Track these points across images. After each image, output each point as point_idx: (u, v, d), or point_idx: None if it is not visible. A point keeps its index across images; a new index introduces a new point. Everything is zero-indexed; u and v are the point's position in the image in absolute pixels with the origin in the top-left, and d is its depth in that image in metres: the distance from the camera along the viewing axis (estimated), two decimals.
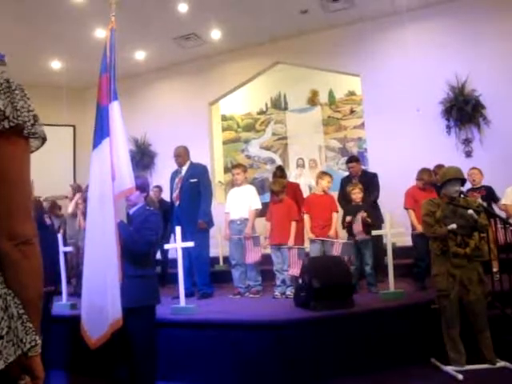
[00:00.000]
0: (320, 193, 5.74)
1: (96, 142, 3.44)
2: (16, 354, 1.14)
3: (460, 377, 3.74)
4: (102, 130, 3.40)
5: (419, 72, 7.79)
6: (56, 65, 9.18)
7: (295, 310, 4.52)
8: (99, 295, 3.29)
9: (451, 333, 4.01)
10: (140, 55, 9.20)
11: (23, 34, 7.77)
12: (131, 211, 3.68)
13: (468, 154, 7.52)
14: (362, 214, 5.29)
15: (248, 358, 3.98)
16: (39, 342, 1.21)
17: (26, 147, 1.21)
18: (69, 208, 6.83)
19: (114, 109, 3.47)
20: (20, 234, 1.19)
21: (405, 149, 7.67)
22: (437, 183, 4.96)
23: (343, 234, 5.77)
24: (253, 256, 5.47)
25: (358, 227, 5.27)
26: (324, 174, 5.87)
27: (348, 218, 5.42)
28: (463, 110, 7.44)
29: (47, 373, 3.89)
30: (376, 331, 4.24)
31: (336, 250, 5.30)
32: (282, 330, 4.04)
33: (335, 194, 6.29)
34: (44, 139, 1.25)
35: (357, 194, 5.57)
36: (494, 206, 5.83)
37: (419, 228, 4.98)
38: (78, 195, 6.68)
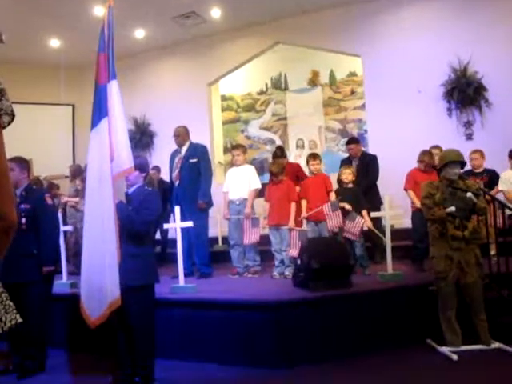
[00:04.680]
0: (312, 175, 5.77)
1: (94, 122, 3.42)
2: None
3: (455, 357, 3.78)
4: (100, 110, 3.37)
5: (421, 53, 7.71)
6: (55, 43, 9.08)
7: (294, 290, 4.55)
8: (98, 275, 3.30)
9: (448, 314, 4.05)
10: (139, 34, 9.09)
11: (21, 11, 7.66)
12: (130, 191, 3.68)
13: (469, 137, 7.49)
14: (361, 222, 5.17)
15: (246, 337, 4.02)
16: (20, 320, 1.18)
17: None
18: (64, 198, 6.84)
19: (113, 88, 3.43)
20: (8, 217, 1.13)
21: (405, 131, 7.64)
22: (436, 166, 4.95)
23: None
24: (251, 237, 5.48)
25: (352, 229, 5.19)
26: (311, 156, 5.83)
27: (347, 206, 5.35)
28: (465, 93, 7.39)
29: (47, 351, 3.93)
30: (374, 312, 4.27)
31: (326, 212, 5.27)
32: (280, 309, 4.07)
33: (335, 176, 6.29)
34: (12, 115, 1.19)
35: (347, 175, 5.56)
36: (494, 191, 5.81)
37: (419, 204, 4.94)
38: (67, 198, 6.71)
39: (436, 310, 4.12)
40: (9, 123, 1.21)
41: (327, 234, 5.42)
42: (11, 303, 1.18)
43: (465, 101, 7.44)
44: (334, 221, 5.23)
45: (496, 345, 3.98)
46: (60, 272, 5.07)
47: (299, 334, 4.01)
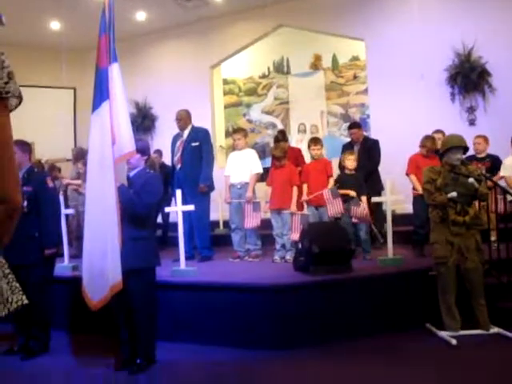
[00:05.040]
0: (313, 160, 5.78)
1: (95, 105, 3.41)
2: (2, 314, 1.13)
3: (454, 342, 3.82)
4: (101, 93, 3.36)
5: (425, 38, 7.63)
6: (55, 25, 9.00)
7: (294, 274, 4.57)
8: (100, 258, 3.32)
9: (447, 299, 4.07)
10: (141, 16, 9.01)
11: None
12: (131, 174, 3.69)
13: (471, 122, 7.45)
14: (366, 208, 5.16)
15: (247, 320, 4.05)
16: (26, 301, 1.20)
17: (0, 107, 1.14)
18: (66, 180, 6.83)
19: (114, 71, 3.42)
20: (12, 200, 1.15)
21: (408, 116, 7.60)
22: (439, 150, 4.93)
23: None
24: (252, 221, 5.48)
25: (360, 214, 5.18)
26: (312, 141, 5.84)
27: (352, 193, 5.33)
28: (468, 78, 7.33)
29: (49, 332, 3.94)
30: (373, 296, 4.30)
31: (326, 197, 5.27)
32: (281, 293, 4.10)
33: (337, 161, 6.28)
34: (20, 98, 1.19)
35: (351, 161, 5.54)
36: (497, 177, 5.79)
37: (420, 190, 4.93)
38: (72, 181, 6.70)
39: (436, 295, 4.14)
40: (16, 106, 1.22)
41: (327, 218, 5.43)
42: (17, 285, 1.21)
43: (468, 86, 7.39)
44: (334, 207, 5.23)
45: (495, 330, 4.01)
46: (62, 255, 5.10)
47: (299, 318, 4.03)
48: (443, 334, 4.01)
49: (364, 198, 5.29)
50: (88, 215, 3.49)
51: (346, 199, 5.33)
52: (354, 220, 5.26)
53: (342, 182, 5.47)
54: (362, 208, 5.14)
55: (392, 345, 3.95)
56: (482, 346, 3.83)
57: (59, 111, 10.09)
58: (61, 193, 5.86)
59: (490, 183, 4.62)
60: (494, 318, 4.08)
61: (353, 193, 5.30)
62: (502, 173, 5.70)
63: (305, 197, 5.57)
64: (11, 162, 1.16)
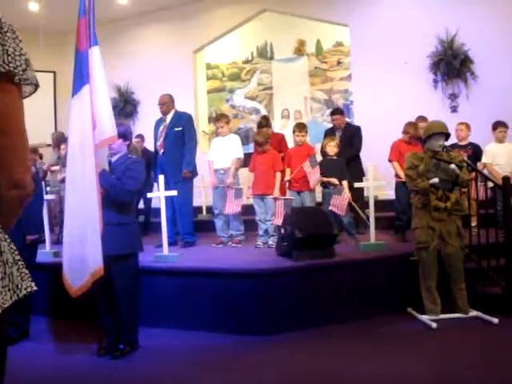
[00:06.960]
0: (297, 145, 5.76)
1: (75, 89, 3.35)
2: (12, 300, 1.13)
3: (434, 325, 3.88)
4: (81, 77, 3.30)
5: (409, 24, 7.63)
6: (33, 6, 8.78)
7: (277, 260, 4.59)
8: (80, 245, 3.29)
9: (428, 284, 4.13)
10: None
11: None
12: (113, 159, 3.65)
13: (454, 109, 7.50)
14: (347, 196, 5.09)
15: (230, 305, 4.07)
16: (35, 288, 1.20)
17: (18, 94, 1.16)
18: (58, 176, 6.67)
19: (94, 54, 3.36)
20: (26, 186, 1.17)
21: (391, 102, 7.62)
22: (421, 137, 4.95)
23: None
24: (232, 207, 5.46)
25: (339, 203, 5.05)
26: (297, 126, 5.82)
27: (334, 181, 5.32)
28: (451, 65, 7.37)
29: (30, 318, 3.90)
30: (356, 281, 4.34)
31: (307, 170, 5.30)
32: (264, 278, 4.12)
33: (319, 146, 6.28)
34: (36, 85, 1.20)
35: (332, 147, 5.54)
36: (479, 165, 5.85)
37: (403, 176, 4.94)
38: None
39: (417, 280, 4.19)
40: (30, 94, 1.24)
41: (309, 203, 5.45)
42: (27, 271, 1.21)
43: (451, 73, 7.42)
44: (314, 176, 5.29)
45: (474, 313, 4.09)
46: (43, 241, 5.04)
47: (282, 302, 4.06)
48: (424, 317, 4.07)
49: (345, 183, 5.31)
50: (68, 201, 3.45)
51: (327, 186, 5.36)
52: (330, 207, 5.08)
53: (323, 167, 5.47)
54: (342, 198, 5.08)
55: (374, 328, 4.00)
56: (462, 328, 3.90)
57: (39, 95, 9.71)
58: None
59: (473, 173, 4.66)
60: (473, 302, 4.16)
61: (335, 181, 5.31)
62: (483, 159, 5.75)
63: (287, 177, 5.55)
64: (25, 148, 1.19)
